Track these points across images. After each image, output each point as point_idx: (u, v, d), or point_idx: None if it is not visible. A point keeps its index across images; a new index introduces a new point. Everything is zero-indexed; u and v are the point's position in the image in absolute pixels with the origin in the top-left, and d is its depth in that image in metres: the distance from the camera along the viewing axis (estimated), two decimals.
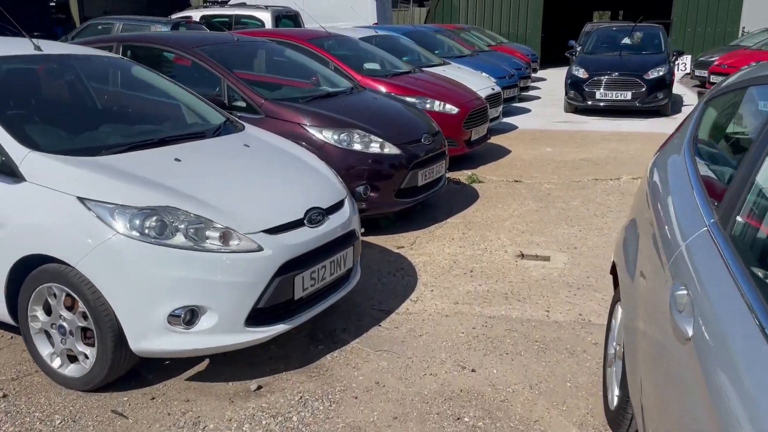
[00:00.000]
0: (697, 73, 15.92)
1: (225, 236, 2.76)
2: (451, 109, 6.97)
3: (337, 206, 3.37)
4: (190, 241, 2.70)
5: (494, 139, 8.67)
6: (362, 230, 5.07)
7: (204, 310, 2.69)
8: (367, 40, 8.80)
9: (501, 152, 8.11)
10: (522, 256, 4.58)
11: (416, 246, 4.80)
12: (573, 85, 11.12)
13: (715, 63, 14.12)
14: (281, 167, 3.49)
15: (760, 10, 18.94)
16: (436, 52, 10.98)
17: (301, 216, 3.07)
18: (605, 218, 5.43)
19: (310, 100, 5.14)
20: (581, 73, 11.03)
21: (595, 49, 12.15)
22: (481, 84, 8.90)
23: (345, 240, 3.33)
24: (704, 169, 2.13)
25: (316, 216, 3.14)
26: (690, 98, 13.26)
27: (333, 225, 3.22)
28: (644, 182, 2.64)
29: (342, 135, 4.79)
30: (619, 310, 2.55)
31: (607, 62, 11.17)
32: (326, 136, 4.76)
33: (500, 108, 9.28)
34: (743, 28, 19.24)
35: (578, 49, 14.54)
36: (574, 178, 6.80)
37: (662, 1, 22.47)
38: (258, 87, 5.10)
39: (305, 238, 3.01)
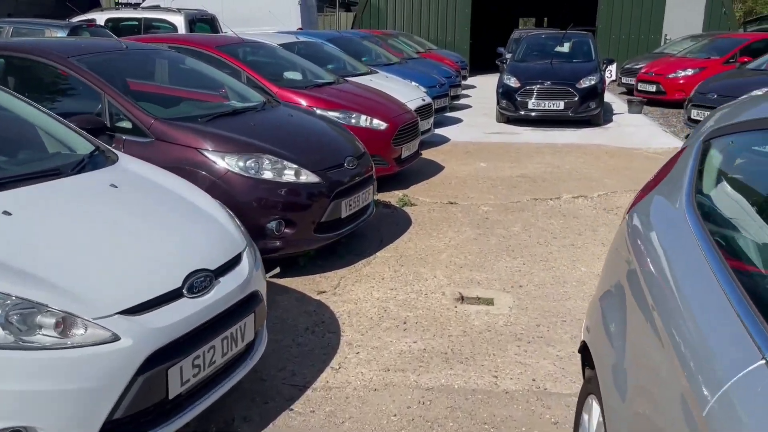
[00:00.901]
0: (624, 80, 16.00)
1: (65, 324, 1.99)
2: (379, 124, 6.33)
3: (232, 263, 2.64)
4: (12, 335, 1.92)
5: (426, 153, 8.11)
6: (277, 270, 4.37)
7: None
8: (287, 47, 8.07)
9: (434, 168, 7.55)
10: (462, 299, 3.97)
11: (340, 290, 4.11)
12: (505, 94, 10.73)
13: (642, 71, 14.16)
14: (158, 215, 2.73)
15: (681, 19, 19.37)
16: (363, 59, 10.36)
17: (179, 284, 2.33)
18: (549, 246, 4.91)
19: (211, 119, 4.36)
20: (513, 82, 10.66)
21: (525, 56, 11.84)
22: (410, 94, 8.33)
23: (243, 306, 2.61)
24: (726, 243, 1.55)
25: (200, 282, 2.40)
26: (619, 106, 13.19)
27: (225, 290, 2.50)
28: (623, 241, 2.04)
29: (249, 161, 4.05)
30: (595, 408, 1.94)
31: (539, 71, 10.85)
32: (229, 163, 4.00)
33: (431, 120, 8.74)
34: (665, 35, 19.63)
35: (508, 56, 14.28)
36: (512, 198, 6.29)
37: (587, 9, 22.76)
38: (148, 104, 4.29)
39: (184, 314, 2.27)
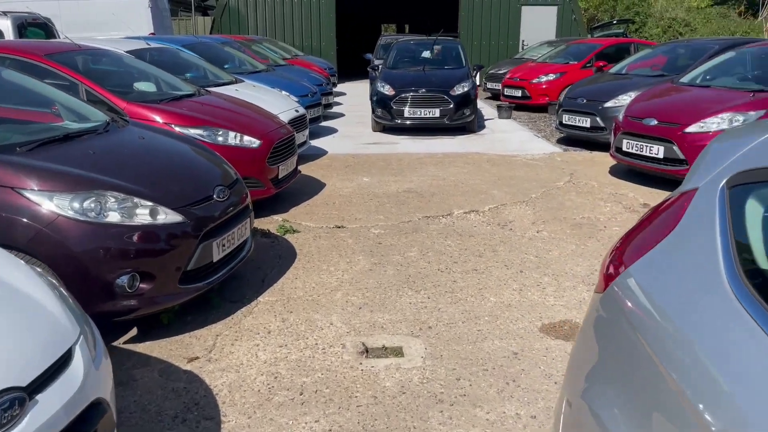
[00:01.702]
0: (489, 85, 16.28)
1: None
2: (250, 141, 5.57)
3: (58, 367, 1.83)
4: None
5: (304, 169, 7.43)
6: (133, 333, 3.51)
7: None
8: (137, 55, 7.04)
9: (314, 186, 6.89)
10: (366, 351, 3.36)
11: (217, 353, 3.34)
12: (380, 102, 10.30)
13: (507, 76, 14.41)
14: None
15: (536, 25, 20.20)
16: (226, 67, 9.48)
17: None
18: (451, 273, 4.44)
19: (35, 147, 3.41)
20: (387, 90, 10.26)
21: (397, 63, 11.51)
22: (283, 105, 7.62)
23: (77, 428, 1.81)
24: None
25: (2, 409, 1.58)
26: (489, 112, 13.29)
27: (45, 414, 1.70)
28: (618, 317, 1.52)
29: (87, 202, 3.17)
30: None
31: (412, 78, 10.55)
32: (60, 205, 3.10)
33: (307, 132, 8.08)
34: (523, 41, 20.37)
35: (377, 63, 13.94)
36: (402, 217, 5.79)
37: (448, 16, 23.18)
38: None
39: None
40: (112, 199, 3.24)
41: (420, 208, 6.07)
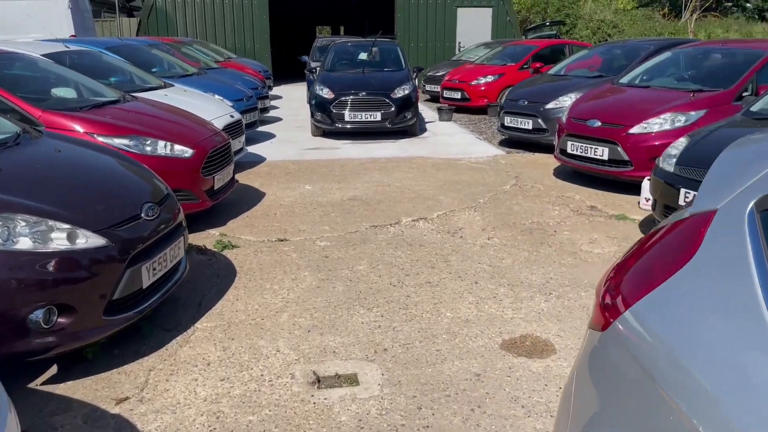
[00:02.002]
0: (428, 88, 16.20)
1: None
2: (182, 150, 5.17)
3: None
4: None
5: (242, 177, 7.05)
6: (53, 372, 3.10)
7: None
8: (55, 58, 6.49)
9: (253, 196, 6.52)
10: (318, 381, 3.07)
11: (150, 391, 2.98)
12: (319, 106, 10.00)
13: (446, 78, 14.36)
14: None
15: (471, 27, 20.32)
16: (154, 70, 8.96)
17: None
18: (404, 287, 4.21)
19: None
20: (326, 93, 9.96)
21: (335, 66, 11.22)
22: (216, 111, 7.23)
23: None
24: None
25: None
26: (429, 114, 13.18)
27: None
28: (624, 357, 1.30)
29: None
30: None
31: (352, 81, 10.29)
32: None
33: (243, 138, 7.70)
34: (459, 42, 20.45)
35: (314, 65, 13.62)
36: (349, 227, 5.52)
37: (383, 18, 23.05)
38: None
39: None
40: (23, 223, 2.83)
41: (367, 217, 5.81)
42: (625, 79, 7.59)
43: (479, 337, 3.51)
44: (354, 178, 7.35)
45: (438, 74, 15.90)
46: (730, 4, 34.56)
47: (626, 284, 1.39)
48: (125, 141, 4.91)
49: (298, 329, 3.61)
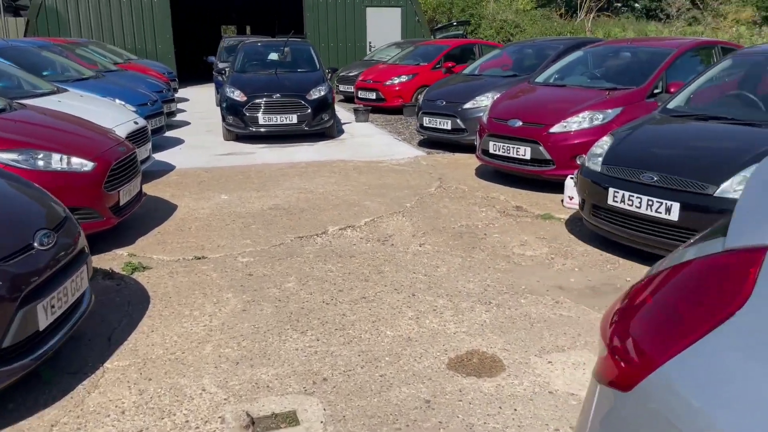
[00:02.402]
0: (341, 88, 15.94)
1: None
2: (81, 164, 4.64)
3: None
4: None
5: (150, 189, 6.52)
6: None
7: None
8: None
9: (164, 209, 6.02)
10: (252, 424, 2.74)
11: None
12: (230, 109, 9.50)
13: (360, 78, 14.15)
14: None
15: (381, 27, 20.24)
16: (45, 74, 8.18)
17: None
18: (338, 305, 3.93)
19: None
20: (238, 96, 9.48)
21: (245, 67, 10.74)
22: (118, 117, 6.66)
23: None
24: None
25: None
26: (344, 115, 12.93)
27: None
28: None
29: None
30: None
31: (265, 82, 9.86)
32: None
33: (149, 146, 7.14)
34: (370, 42, 20.31)
35: (222, 66, 13.05)
36: (272, 240, 5.17)
37: (291, 16, 22.56)
38: None
39: None
40: None
41: (291, 228, 5.48)
42: (540, 78, 7.65)
43: (424, 357, 3.30)
44: (274, 185, 6.98)
45: (351, 74, 15.69)
46: (619, 4, 36.54)
47: (648, 335, 1.18)
48: (13, 156, 4.33)
49: (225, 362, 3.25)
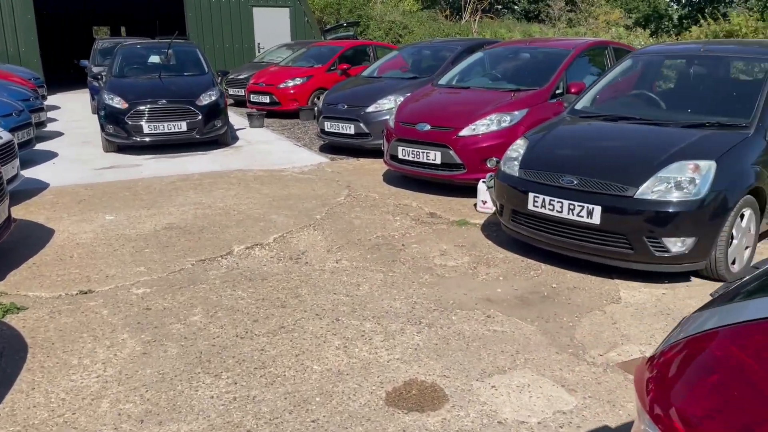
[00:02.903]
0: (231, 92, 15.20)
1: None
2: None
3: None
4: None
5: (20, 212, 5.72)
6: None
7: None
8: None
9: (39, 236, 5.27)
10: None
11: None
12: (110, 117, 8.67)
13: (252, 81, 13.54)
14: None
15: (270, 27, 19.61)
16: None
17: None
18: (255, 338, 3.51)
19: None
20: (118, 103, 8.66)
21: (125, 71, 9.86)
22: None
23: None
24: None
25: None
26: (237, 121, 12.29)
27: None
28: None
29: None
30: None
31: (148, 88, 9.08)
32: None
33: (17, 162, 6.30)
34: (259, 44, 19.62)
35: (97, 70, 12.03)
36: (170, 265, 4.63)
37: (171, 16, 21.36)
38: None
39: None
40: None
41: (191, 250, 4.95)
42: (443, 81, 7.54)
43: (359, 393, 2.97)
44: (166, 202, 6.35)
45: (241, 77, 15.01)
46: (500, 6, 37.99)
47: (713, 418, 0.93)
48: None
49: (126, 421, 2.75)
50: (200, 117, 8.85)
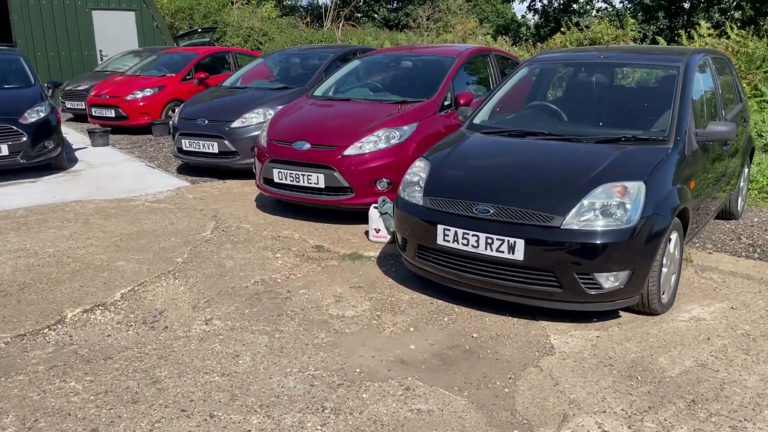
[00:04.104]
0: (69, 105, 13.33)
1: None
2: None
3: None
4: None
5: None
6: None
7: None
8: None
9: None
10: None
11: None
12: None
13: (92, 93, 11.86)
14: None
15: (114, 34, 17.68)
16: None
17: None
18: None
19: None
20: None
21: None
22: None
23: None
24: None
25: None
26: (77, 139, 10.65)
27: None
28: None
29: None
30: None
31: None
32: None
33: None
34: (101, 51, 17.61)
35: None
36: None
37: None
38: None
39: None
40: None
41: (5, 320, 3.72)
42: (319, 92, 6.72)
43: None
44: None
45: (80, 88, 13.18)
46: (360, 15, 37.90)
47: None
48: None
49: None
50: (26, 138, 7.33)
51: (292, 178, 5.59)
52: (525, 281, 3.57)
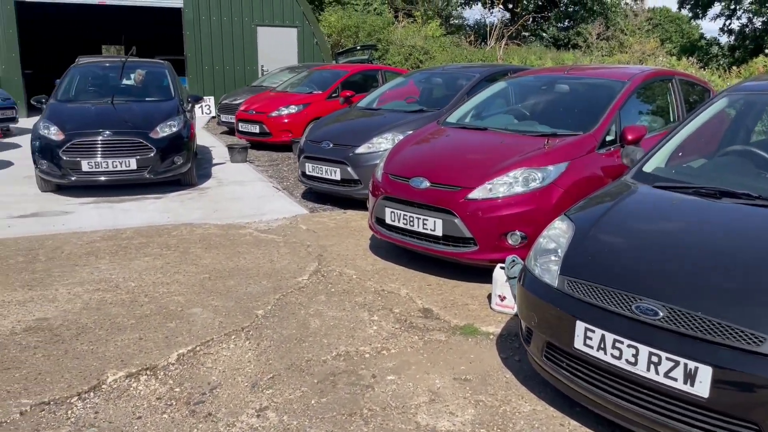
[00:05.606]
0: (224, 118, 13.64)
1: None
2: None
3: None
4: None
5: None
6: None
7: None
8: None
9: None
10: None
11: None
12: (44, 151, 7.05)
13: (241, 108, 11.92)
14: None
15: (276, 49, 18.13)
16: None
17: None
18: None
19: None
20: (54, 133, 7.05)
21: (77, 94, 8.28)
22: None
23: None
24: None
25: None
26: (220, 153, 10.65)
27: None
28: None
29: None
30: None
31: (94, 116, 7.45)
32: None
33: None
34: (262, 66, 18.12)
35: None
36: (3, 396, 2.86)
37: (172, 36, 20.01)
38: None
39: None
40: None
41: (38, 378, 3.17)
42: (452, 118, 5.74)
43: None
44: (60, 277, 4.61)
45: (235, 102, 13.42)
46: (527, 34, 36.35)
47: None
48: None
49: None
50: (154, 152, 7.17)
51: (405, 221, 4.66)
52: (709, 428, 2.30)
